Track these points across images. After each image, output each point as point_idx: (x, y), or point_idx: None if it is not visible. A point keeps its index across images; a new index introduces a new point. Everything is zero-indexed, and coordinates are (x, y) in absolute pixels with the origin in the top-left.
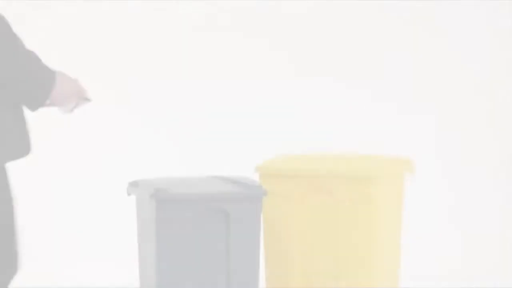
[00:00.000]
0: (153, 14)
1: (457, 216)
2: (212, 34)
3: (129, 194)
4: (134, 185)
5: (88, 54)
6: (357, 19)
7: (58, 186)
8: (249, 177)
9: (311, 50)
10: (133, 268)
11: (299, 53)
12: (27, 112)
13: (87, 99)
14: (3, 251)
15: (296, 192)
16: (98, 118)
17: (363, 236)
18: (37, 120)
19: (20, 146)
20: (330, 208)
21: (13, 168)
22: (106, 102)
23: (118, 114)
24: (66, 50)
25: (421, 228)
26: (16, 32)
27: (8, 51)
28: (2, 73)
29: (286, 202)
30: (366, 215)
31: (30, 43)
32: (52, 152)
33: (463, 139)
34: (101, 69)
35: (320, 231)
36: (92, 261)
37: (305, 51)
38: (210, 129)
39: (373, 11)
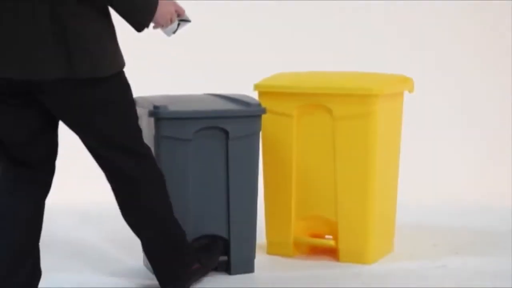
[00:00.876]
0: None
1: (460, 134)
2: None
3: None
4: None
5: None
6: None
7: None
8: (248, 95)
9: None
10: None
11: None
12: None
13: (187, 20)
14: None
15: (295, 109)
16: None
17: (361, 153)
18: None
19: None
20: (329, 126)
21: None
22: None
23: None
24: None
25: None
26: None
27: None
28: None
29: (285, 120)
30: (365, 132)
31: None
32: None
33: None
34: None
35: (318, 148)
36: (92, 178)
37: None
38: (209, 47)
39: None
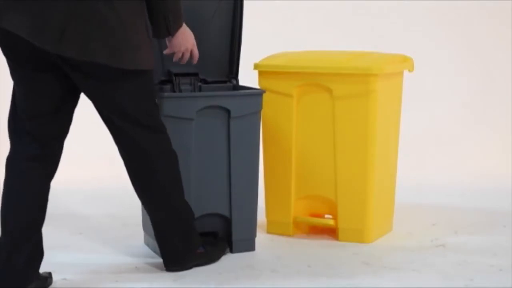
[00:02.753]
0: None
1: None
2: None
3: None
4: None
5: None
6: None
7: None
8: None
9: None
10: None
11: None
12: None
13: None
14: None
15: (295, 89)
16: None
17: (361, 133)
18: None
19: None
20: (329, 105)
21: None
22: None
23: None
24: None
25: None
26: None
27: None
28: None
29: (285, 99)
30: (365, 112)
31: None
32: None
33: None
34: None
35: (318, 128)
36: (94, 158)
37: None
38: None
39: None
